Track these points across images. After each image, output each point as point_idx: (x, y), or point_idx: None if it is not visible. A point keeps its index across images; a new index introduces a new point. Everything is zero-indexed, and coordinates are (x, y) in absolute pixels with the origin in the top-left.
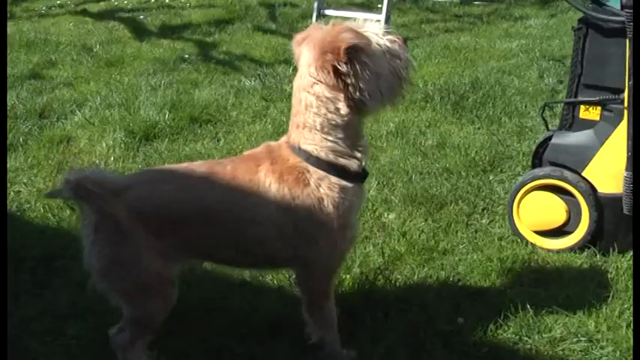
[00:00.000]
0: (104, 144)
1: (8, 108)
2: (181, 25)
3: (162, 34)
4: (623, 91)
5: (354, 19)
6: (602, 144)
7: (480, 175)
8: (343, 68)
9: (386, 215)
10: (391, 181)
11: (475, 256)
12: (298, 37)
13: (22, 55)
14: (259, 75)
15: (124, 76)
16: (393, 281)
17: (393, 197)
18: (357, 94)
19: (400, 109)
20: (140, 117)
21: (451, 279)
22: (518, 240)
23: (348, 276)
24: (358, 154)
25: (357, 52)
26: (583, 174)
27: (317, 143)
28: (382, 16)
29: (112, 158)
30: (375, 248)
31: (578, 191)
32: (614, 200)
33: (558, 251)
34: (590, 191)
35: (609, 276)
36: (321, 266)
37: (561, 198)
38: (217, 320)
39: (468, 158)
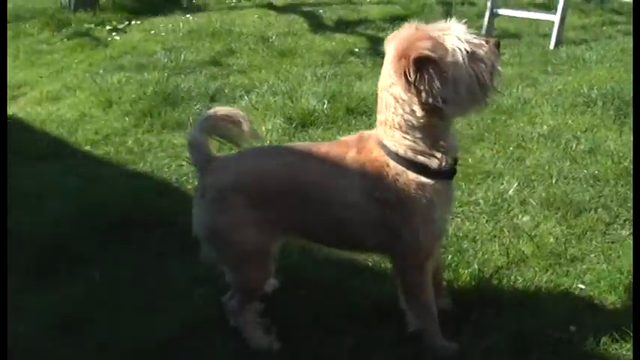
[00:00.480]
0: (264, 128)
1: (185, 90)
2: (357, 21)
3: (337, 28)
4: None
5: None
6: None
7: (631, 184)
8: (411, 76)
9: (520, 217)
10: (533, 183)
11: (605, 267)
12: (390, 36)
13: (207, 43)
14: None
15: (294, 66)
16: (512, 282)
17: (531, 200)
18: (431, 100)
19: (558, 112)
20: (300, 105)
21: (574, 287)
22: None
23: (465, 271)
24: (438, 154)
25: (426, 63)
26: None
27: (397, 140)
28: (557, 17)
29: (269, 142)
30: (501, 248)
31: None
32: None
33: None
34: None
35: None
36: (408, 258)
37: None
38: (332, 300)
39: (620, 166)
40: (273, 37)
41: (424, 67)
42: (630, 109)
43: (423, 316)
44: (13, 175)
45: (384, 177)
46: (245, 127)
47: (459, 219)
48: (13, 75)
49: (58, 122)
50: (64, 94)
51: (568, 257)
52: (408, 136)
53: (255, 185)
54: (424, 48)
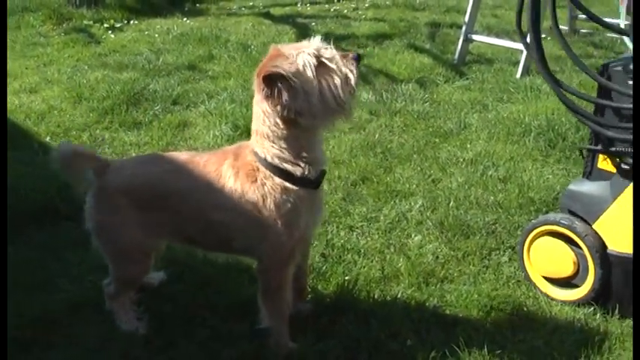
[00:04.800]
0: (212, 133)
1: (151, 91)
2: (343, 35)
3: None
4: None
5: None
6: (615, 198)
7: (531, 213)
8: (263, 92)
9: (412, 236)
10: (436, 205)
11: (468, 288)
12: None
13: (191, 47)
14: (380, 90)
15: None
16: (377, 295)
17: (428, 221)
18: (286, 112)
19: (492, 139)
20: (250, 114)
21: (429, 304)
22: (525, 284)
23: (335, 281)
24: (302, 164)
25: (274, 79)
26: (594, 226)
27: (265, 148)
28: None
29: (212, 146)
30: (380, 263)
31: (585, 244)
32: (624, 260)
33: (562, 303)
34: (598, 247)
35: (596, 338)
36: (271, 260)
37: (571, 249)
38: (205, 295)
39: (525, 196)
40: (254, 46)
41: (273, 83)
42: (560, 142)
43: (275, 315)
44: None
45: (254, 181)
46: None
47: (355, 233)
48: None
49: (27, 113)
50: (42, 87)
51: (440, 277)
52: (275, 145)
53: (141, 189)
54: (272, 66)
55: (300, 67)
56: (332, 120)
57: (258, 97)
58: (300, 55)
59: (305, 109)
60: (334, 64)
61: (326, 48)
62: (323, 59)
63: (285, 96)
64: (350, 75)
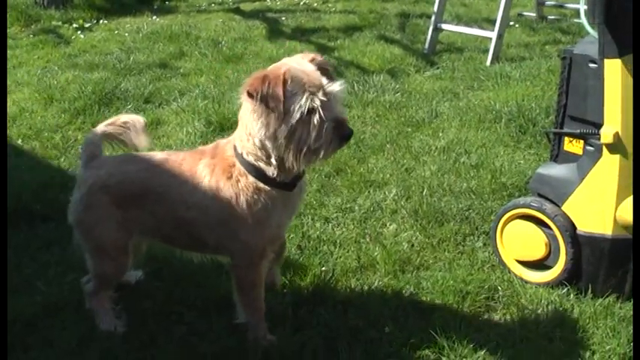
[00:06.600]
0: (185, 130)
1: (123, 90)
2: (314, 29)
3: (293, 35)
4: (602, 126)
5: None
6: (582, 180)
7: (503, 199)
8: (242, 99)
9: (387, 225)
10: (410, 193)
11: (444, 275)
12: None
13: (162, 45)
14: (352, 82)
15: (235, 72)
16: (354, 285)
17: (403, 209)
18: (256, 127)
19: (464, 127)
20: (222, 109)
21: (406, 292)
22: (500, 268)
23: (311, 272)
24: (273, 164)
25: (252, 99)
26: (563, 208)
27: (243, 142)
28: (494, 34)
29: (185, 143)
30: (356, 253)
31: (556, 225)
32: (593, 240)
33: (536, 285)
34: (568, 227)
35: (570, 318)
36: (242, 257)
37: (543, 231)
38: (182, 292)
39: (498, 182)
40: (225, 42)
41: (251, 101)
42: (530, 127)
43: (251, 310)
44: None
45: (229, 177)
46: (134, 135)
47: (330, 224)
48: None
49: None
50: (12, 89)
51: (415, 264)
52: (250, 141)
53: (118, 187)
54: (263, 89)
55: (292, 108)
56: (290, 160)
57: (245, 95)
58: (299, 97)
59: (271, 139)
60: (316, 127)
61: (332, 101)
62: (315, 114)
63: (261, 119)
64: (323, 146)
